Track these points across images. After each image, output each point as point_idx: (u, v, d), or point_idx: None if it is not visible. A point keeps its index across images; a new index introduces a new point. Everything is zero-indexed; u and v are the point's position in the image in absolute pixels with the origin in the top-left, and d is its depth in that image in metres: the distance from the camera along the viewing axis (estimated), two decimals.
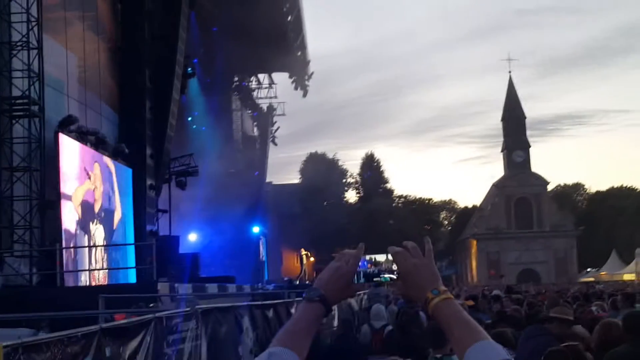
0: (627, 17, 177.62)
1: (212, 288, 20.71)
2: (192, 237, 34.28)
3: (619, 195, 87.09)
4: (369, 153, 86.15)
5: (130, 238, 23.25)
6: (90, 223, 20.02)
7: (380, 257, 58.04)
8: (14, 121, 17.49)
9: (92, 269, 19.64)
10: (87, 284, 18.86)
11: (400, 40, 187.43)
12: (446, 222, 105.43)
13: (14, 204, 17.33)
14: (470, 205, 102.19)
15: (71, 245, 18.42)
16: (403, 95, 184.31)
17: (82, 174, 19.41)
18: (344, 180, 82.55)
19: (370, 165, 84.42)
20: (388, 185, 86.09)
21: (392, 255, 2.08)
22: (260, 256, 43.73)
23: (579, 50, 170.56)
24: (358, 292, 17.09)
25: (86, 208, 19.64)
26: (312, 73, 53.00)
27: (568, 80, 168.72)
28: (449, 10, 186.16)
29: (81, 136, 19.75)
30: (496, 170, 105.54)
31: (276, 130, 56.62)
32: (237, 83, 50.98)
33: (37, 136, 17.59)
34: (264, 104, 55.10)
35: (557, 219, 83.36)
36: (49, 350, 4.09)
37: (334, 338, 9.96)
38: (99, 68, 23.55)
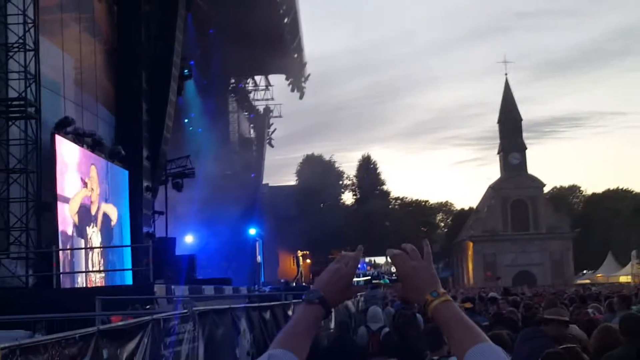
0: (623, 19, 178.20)
1: (209, 290, 20.69)
2: (189, 239, 34.23)
3: (615, 198, 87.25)
4: (366, 155, 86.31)
5: (127, 240, 23.22)
6: (87, 227, 19.99)
7: (380, 260, 58.04)
8: (10, 123, 17.44)
9: (89, 270, 19.62)
10: (84, 286, 18.82)
11: (396, 43, 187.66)
12: (442, 224, 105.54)
13: (10, 206, 17.28)
14: (466, 207, 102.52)
15: (67, 247, 18.40)
16: (399, 97, 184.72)
17: (78, 178, 19.38)
18: (341, 182, 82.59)
19: (367, 167, 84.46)
20: (384, 187, 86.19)
21: (390, 257, 2.08)
22: (257, 258, 43.67)
23: (575, 53, 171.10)
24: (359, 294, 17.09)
25: (83, 212, 19.62)
26: (308, 75, 53.04)
27: (564, 82, 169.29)
28: (445, 13, 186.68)
29: (77, 138, 19.71)
30: (492, 172, 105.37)
31: (273, 132, 56.63)
32: (234, 85, 50.97)
33: (33, 138, 17.56)
34: (260, 106, 55.15)
35: (553, 221, 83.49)
36: (47, 352, 4.09)
37: (330, 340, 9.96)
38: (95, 70, 23.51)
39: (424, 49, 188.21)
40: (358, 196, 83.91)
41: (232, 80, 50.37)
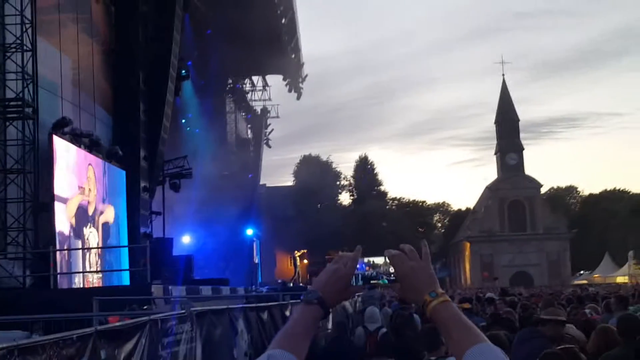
0: (621, 20, 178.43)
1: (206, 290, 20.67)
2: (186, 239, 34.20)
3: (612, 198, 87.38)
4: (363, 155, 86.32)
5: (124, 240, 23.21)
6: (84, 227, 19.99)
7: (378, 260, 58.05)
8: (7, 123, 17.45)
9: (86, 271, 19.61)
10: (81, 286, 18.81)
11: (393, 44, 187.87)
12: (439, 225, 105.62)
13: (8, 206, 17.29)
14: (463, 208, 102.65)
15: (65, 248, 18.39)
16: (397, 97, 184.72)
17: (75, 179, 19.37)
18: (338, 183, 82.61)
19: (364, 168, 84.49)
20: (382, 188, 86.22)
21: (389, 258, 2.09)
22: (254, 258, 43.64)
23: (573, 54, 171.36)
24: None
25: (80, 212, 19.61)
26: (306, 75, 53.05)
27: (561, 83, 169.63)
28: (443, 14, 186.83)
29: (75, 138, 19.71)
30: (490, 172, 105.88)
31: (270, 133, 56.65)
32: (231, 85, 50.95)
33: (30, 138, 17.56)
34: (257, 107, 55.15)
35: (550, 222, 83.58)
36: (44, 352, 4.09)
37: (328, 340, 9.97)
38: (92, 70, 23.50)
39: (421, 49, 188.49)
40: (355, 197, 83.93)
41: (230, 81, 50.35)
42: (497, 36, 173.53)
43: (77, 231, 19.39)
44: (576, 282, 66.89)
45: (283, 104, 56.85)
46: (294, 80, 51.76)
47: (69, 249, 18.68)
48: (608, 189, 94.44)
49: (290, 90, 52.32)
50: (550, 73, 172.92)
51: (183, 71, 28.76)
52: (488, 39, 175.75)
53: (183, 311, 6.58)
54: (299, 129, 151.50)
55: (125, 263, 21.98)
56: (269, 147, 57.46)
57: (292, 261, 58.38)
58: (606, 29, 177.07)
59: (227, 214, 38.76)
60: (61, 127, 18.82)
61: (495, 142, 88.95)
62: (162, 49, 25.66)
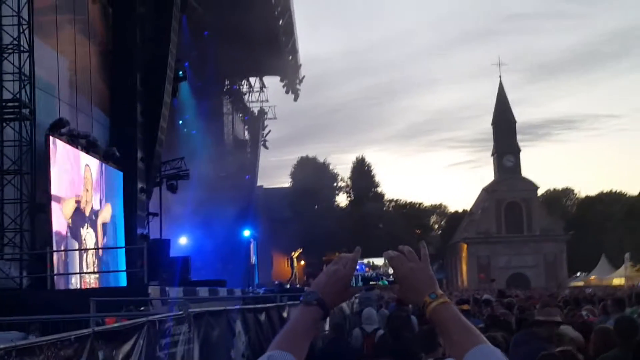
0: (618, 22, 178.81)
1: (203, 291, 20.66)
2: (183, 240, 34.19)
3: (609, 200, 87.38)
4: (360, 157, 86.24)
5: (121, 241, 23.20)
6: (81, 228, 19.97)
7: (378, 261, 58.08)
8: (4, 124, 17.43)
9: (83, 272, 19.59)
10: (78, 287, 18.79)
11: (390, 45, 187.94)
12: (436, 226, 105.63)
13: (5, 207, 17.27)
14: (460, 210, 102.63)
15: (62, 248, 18.37)
16: (393, 99, 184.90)
17: (72, 180, 19.36)
18: (335, 184, 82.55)
19: (361, 169, 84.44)
20: (379, 189, 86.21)
21: (388, 259, 2.09)
22: (251, 260, 43.63)
23: (569, 55, 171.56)
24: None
25: (77, 213, 19.59)
26: (303, 77, 53.12)
27: (558, 85, 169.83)
28: (440, 16, 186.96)
29: (72, 139, 19.69)
30: (486, 174, 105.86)
31: (267, 134, 56.73)
32: (228, 86, 50.97)
33: (27, 139, 17.55)
34: (255, 108, 55.20)
35: (546, 224, 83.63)
36: (42, 353, 4.08)
37: (325, 342, 9.96)
38: (90, 71, 23.49)
39: (418, 51, 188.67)
40: (352, 198, 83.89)
41: (227, 82, 50.37)
42: (494, 38, 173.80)
43: (74, 232, 19.37)
44: (573, 284, 66.93)
45: (280, 106, 56.99)
46: (291, 81, 51.80)
47: (66, 250, 18.66)
48: (605, 191, 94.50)
49: (287, 92, 52.39)
50: (547, 75, 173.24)
51: (180, 72, 28.74)
52: (485, 41, 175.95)
53: (181, 312, 6.57)
54: (296, 130, 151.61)
55: (122, 264, 21.98)
56: (266, 148, 57.57)
57: (289, 262, 58.41)
58: (603, 31, 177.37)
59: (224, 215, 38.74)
60: (58, 128, 18.80)
61: (492, 143, 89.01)
62: (160, 50, 25.66)
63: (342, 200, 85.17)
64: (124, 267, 21.59)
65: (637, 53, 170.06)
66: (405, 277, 2.02)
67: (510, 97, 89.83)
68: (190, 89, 37.01)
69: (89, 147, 20.81)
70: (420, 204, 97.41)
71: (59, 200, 18.32)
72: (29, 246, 17.38)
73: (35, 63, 17.78)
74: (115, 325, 6.00)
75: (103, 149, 22.25)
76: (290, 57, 48.82)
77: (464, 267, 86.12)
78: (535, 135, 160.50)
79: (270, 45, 42.82)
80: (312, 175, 73.24)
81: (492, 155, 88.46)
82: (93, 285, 19.93)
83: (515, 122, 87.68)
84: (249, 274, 40.99)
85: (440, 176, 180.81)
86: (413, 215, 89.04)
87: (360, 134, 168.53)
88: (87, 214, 20.50)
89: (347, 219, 74.26)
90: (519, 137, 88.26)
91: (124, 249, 22.74)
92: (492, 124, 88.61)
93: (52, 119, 18.94)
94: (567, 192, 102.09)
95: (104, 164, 21.84)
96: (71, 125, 19.79)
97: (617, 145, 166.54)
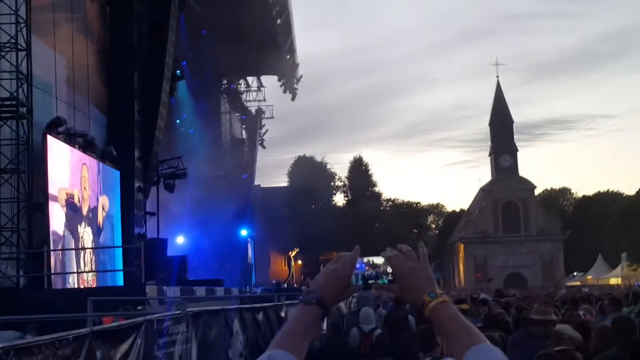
0: (615, 22, 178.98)
1: (200, 291, 20.67)
2: (180, 239, 34.18)
3: (606, 200, 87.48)
4: (357, 156, 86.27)
5: (118, 240, 23.16)
6: (78, 225, 19.95)
7: (378, 260, 58.10)
8: (1, 122, 17.40)
9: (80, 271, 19.56)
10: (75, 286, 18.77)
11: (388, 45, 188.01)
12: (433, 226, 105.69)
13: (1, 206, 17.24)
14: (457, 209, 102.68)
15: (59, 248, 18.34)
16: (391, 99, 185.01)
17: (69, 179, 19.34)
18: (332, 184, 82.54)
19: (359, 169, 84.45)
20: (376, 189, 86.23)
21: (386, 258, 2.09)
22: (248, 259, 43.64)
23: (567, 56, 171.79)
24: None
25: (74, 210, 19.56)
26: (301, 76, 53.09)
27: (555, 85, 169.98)
28: (438, 15, 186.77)
29: (69, 138, 19.65)
30: (484, 174, 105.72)
31: (265, 133, 56.68)
32: (226, 86, 50.93)
33: (25, 138, 17.51)
34: (252, 107, 55.17)
35: (544, 223, 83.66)
36: (40, 352, 4.08)
37: (323, 341, 9.96)
38: (87, 70, 23.45)
39: (416, 51, 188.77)
40: (350, 197, 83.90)
41: (224, 81, 50.34)
42: (492, 38, 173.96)
43: (72, 231, 19.34)
44: (569, 283, 67.02)
45: (278, 105, 56.92)
46: (289, 80, 51.77)
47: (63, 249, 18.63)
48: (602, 191, 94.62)
49: (285, 91, 52.37)
50: (545, 75, 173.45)
51: (178, 71, 28.72)
52: (483, 41, 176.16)
53: (179, 312, 6.57)
54: (293, 129, 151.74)
55: (119, 263, 21.95)
56: (264, 147, 57.53)
57: (287, 262, 58.45)
58: (601, 31, 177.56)
59: (222, 215, 38.74)
60: (55, 127, 18.76)
61: (489, 143, 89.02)
62: (157, 48, 25.63)
63: (339, 199, 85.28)
64: (121, 267, 21.55)
65: (634, 53, 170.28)
66: (404, 276, 2.02)
67: (508, 97, 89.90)
68: (188, 88, 36.98)
69: (86, 146, 20.78)
70: (417, 203, 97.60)
71: (55, 199, 18.29)
72: (26, 245, 17.34)
73: (33, 61, 17.75)
74: (113, 324, 6.00)
75: (100, 147, 22.22)
76: (288, 57, 48.80)
77: (461, 267, 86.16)
78: (533, 135, 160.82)
79: (268, 44, 42.80)
80: (310, 174, 73.22)
81: (490, 155, 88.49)
82: (91, 283, 19.91)
83: (512, 122, 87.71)
84: (246, 274, 41.01)
85: (438, 176, 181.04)
86: (410, 215, 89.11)
87: (357, 134, 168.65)
88: (84, 213, 20.48)
89: (345, 218, 74.26)
90: (516, 137, 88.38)
91: (121, 248, 22.70)
92: (490, 124, 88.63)
93: (50, 118, 18.90)
94: (564, 192, 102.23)
95: (101, 163, 21.81)
96: (68, 124, 19.75)
97: (614, 145, 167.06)
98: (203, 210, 36.81)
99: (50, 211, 17.81)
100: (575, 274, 78.76)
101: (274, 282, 43.62)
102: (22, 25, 17.48)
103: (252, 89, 54.64)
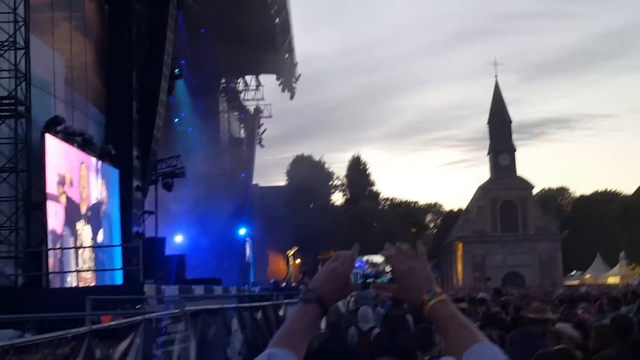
0: (613, 22, 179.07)
1: (199, 290, 20.68)
2: (179, 238, 34.20)
3: (604, 199, 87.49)
4: (356, 155, 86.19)
5: (117, 239, 23.17)
6: (77, 224, 19.94)
7: (378, 258, 58.07)
8: (0, 121, 17.41)
9: (78, 270, 19.56)
10: (74, 285, 18.76)
11: (387, 44, 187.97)
12: (432, 225, 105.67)
13: (0, 205, 17.24)
14: (456, 209, 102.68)
15: (57, 247, 18.34)
16: (389, 98, 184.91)
17: (67, 178, 19.33)
18: (331, 183, 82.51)
19: (357, 168, 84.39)
20: (374, 188, 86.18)
21: (386, 257, 2.08)
22: (247, 258, 43.68)
23: (565, 55, 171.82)
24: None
25: (72, 209, 19.56)
26: (299, 75, 53.08)
27: (554, 84, 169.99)
28: (437, 15, 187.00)
29: (68, 137, 19.65)
30: (482, 173, 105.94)
31: (263, 132, 56.66)
32: (224, 85, 50.94)
33: (23, 137, 17.52)
34: (250, 106, 55.16)
35: (542, 223, 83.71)
36: (39, 351, 4.08)
37: (321, 341, 9.96)
38: (85, 69, 23.45)
39: (415, 50, 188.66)
40: (348, 197, 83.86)
41: (223, 80, 50.34)
42: (490, 37, 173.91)
43: (70, 229, 19.34)
44: (568, 282, 67.01)
45: (276, 104, 56.91)
46: (288, 79, 51.76)
47: (62, 248, 18.63)
48: (600, 190, 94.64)
49: (283, 90, 52.36)
50: (543, 74, 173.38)
51: (176, 70, 28.71)
52: (481, 41, 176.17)
53: (177, 310, 6.57)
54: (292, 128, 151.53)
55: (117, 262, 21.94)
56: (262, 146, 57.50)
57: (285, 261, 58.40)
58: (599, 30, 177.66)
59: (220, 214, 38.77)
60: (54, 125, 18.76)
61: (487, 142, 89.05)
62: (156, 47, 25.62)
63: (337, 198, 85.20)
64: (119, 265, 21.55)
65: (632, 53, 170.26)
66: (403, 275, 2.02)
67: (506, 96, 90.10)
68: (186, 86, 37.01)
69: (85, 145, 20.78)
70: (415, 202, 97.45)
71: (54, 198, 18.29)
72: (24, 244, 17.35)
73: (31, 60, 17.76)
74: (112, 323, 6.00)
75: (99, 146, 22.22)
76: (287, 56, 48.80)
77: (459, 266, 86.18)
78: (531, 135, 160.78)
79: (266, 43, 42.81)
80: (308, 173, 73.17)
81: (488, 154, 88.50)
82: (90, 281, 19.91)
83: (510, 121, 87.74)
84: (244, 273, 41.07)
85: (436, 175, 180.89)
86: (408, 214, 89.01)
87: (356, 133, 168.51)
88: (82, 211, 20.48)
89: (343, 217, 74.23)
90: (514, 136, 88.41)
91: (119, 247, 22.70)
92: (488, 123, 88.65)
93: (48, 117, 18.90)
94: (562, 191, 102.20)
95: (99, 162, 21.81)
96: (67, 122, 19.74)
97: (612, 144, 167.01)
98: (201, 209, 36.84)
99: (49, 210, 17.81)
100: (573, 273, 78.69)
101: (272, 281, 43.58)
102: (20, 23, 17.49)
103: (251, 87, 54.65)
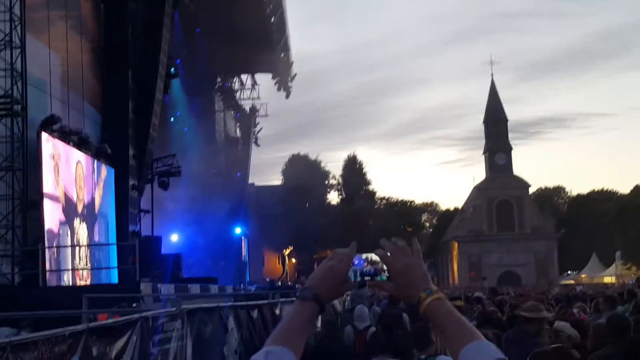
0: (610, 21, 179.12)
1: (195, 289, 20.65)
2: (174, 237, 34.16)
3: (600, 199, 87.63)
4: (352, 155, 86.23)
5: (113, 238, 23.15)
6: (73, 223, 19.94)
7: (376, 257, 57.96)
8: None
9: (75, 268, 19.55)
10: (70, 283, 18.76)
11: (383, 43, 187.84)
12: (428, 224, 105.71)
13: None
14: (452, 208, 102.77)
15: (54, 245, 18.33)
16: (385, 97, 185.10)
17: (64, 177, 19.32)
18: (326, 182, 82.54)
19: (353, 167, 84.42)
20: (370, 187, 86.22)
21: (381, 257, 2.08)
22: (242, 257, 43.63)
23: (561, 54, 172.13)
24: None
25: (68, 208, 19.56)
26: (295, 74, 53.09)
27: (550, 83, 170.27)
28: (433, 14, 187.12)
29: (64, 136, 19.64)
30: (478, 172, 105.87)
31: (259, 132, 56.71)
32: (220, 84, 50.89)
33: (19, 135, 17.50)
34: (246, 105, 55.13)
35: (538, 222, 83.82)
36: (37, 349, 4.09)
37: (317, 339, 9.98)
38: (82, 68, 23.40)
39: (410, 49, 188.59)
40: (344, 196, 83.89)
41: (219, 79, 50.30)
42: (486, 36, 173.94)
43: (66, 228, 19.33)
44: (564, 282, 67.11)
45: (272, 103, 56.93)
46: (283, 78, 51.76)
47: (58, 247, 18.62)
48: (596, 190, 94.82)
49: (279, 89, 52.37)
50: (540, 73, 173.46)
51: (172, 69, 28.67)
52: (477, 39, 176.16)
53: (174, 309, 6.58)
54: (287, 127, 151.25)
55: (113, 261, 21.94)
56: (258, 145, 57.55)
57: (281, 260, 58.41)
58: (595, 30, 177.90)
59: (216, 213, 38.74)
60: (50, 124, 18.75)
61: (483, 142, 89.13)
62: (152, 46, 25.59)
63: (333, 198, 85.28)
64: (115, 264, 21.55)
65: (629, 52, 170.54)
66: (400, 273, 2.01)
67: (502, 95, 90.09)
68: (182, 86, 36.96)
69: (81, 144, 20.77)
70: (411, 202, 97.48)
71: (50, 196, 18.28)
72: (21, 243, 17.34)
73: (27, 59, 17.73)
74: (109, 321, 6.01)
75: (95, 145, 22.20)
76: (282, 55, 48.79)
77: (455, 265, 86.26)
78: (527, 134, 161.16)
79: (262, 42, 42.77)
80: (304, 172, 73.23)
81: (484, 153, 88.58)
82: (86, 279, 19.91)
83: (507, 120, 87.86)
84: (240, 272, 41.02)
85: (432, 174, 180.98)
86: (404, 213, 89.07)
87: (352, 132, 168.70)
88: (79, 210, 20.47)
89: (339, 216, 74.28)
90: (510, 135, 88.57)
91: (115, 246, 22.69)
92: (484, 122, 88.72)
93: (44, 116, 18.89)
94: (559, 191, 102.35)
95: (95, 161, 21.80)
96: (63, 121, 19.73)
97: (609, 144, 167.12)
98: (197, 208, 36.81)
99: (45, 208, 17.79)
100: (569, 272, 78.84)
101: (267, 280, 43.58)
102: (16, 22, 17.47)
103: (246, 87, 54.63)
